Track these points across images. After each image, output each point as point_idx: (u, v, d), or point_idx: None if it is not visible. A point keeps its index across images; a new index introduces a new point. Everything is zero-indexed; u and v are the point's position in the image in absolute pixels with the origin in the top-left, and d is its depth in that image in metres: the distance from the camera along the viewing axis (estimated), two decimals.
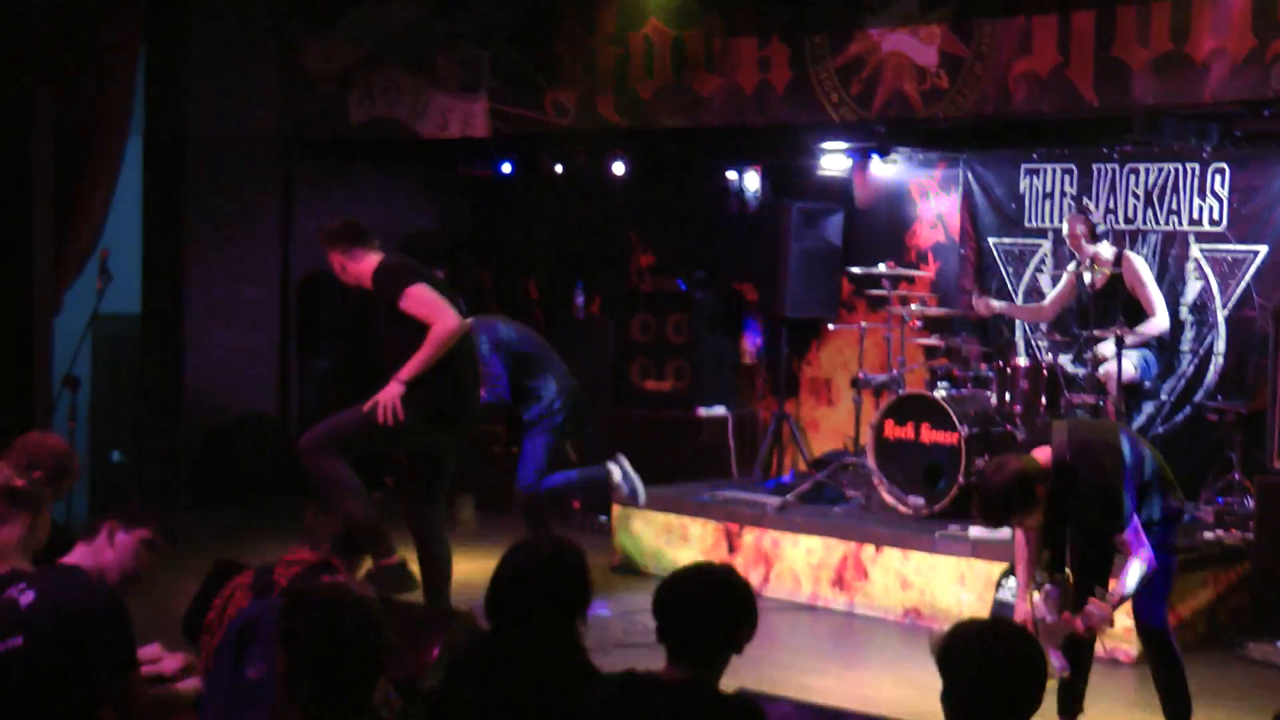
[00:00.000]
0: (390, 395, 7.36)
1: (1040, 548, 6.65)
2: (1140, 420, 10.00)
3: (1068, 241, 9.85)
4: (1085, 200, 10.41)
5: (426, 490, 7.84)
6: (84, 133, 10.80)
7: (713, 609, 4.19)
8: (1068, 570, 6.61)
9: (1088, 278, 9.52)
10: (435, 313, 7.45)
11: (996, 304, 10.27)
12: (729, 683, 4.26)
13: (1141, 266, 9.71)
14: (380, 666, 3.95)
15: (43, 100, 10.29)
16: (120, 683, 4.97)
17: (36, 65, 10.52)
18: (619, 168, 12.40)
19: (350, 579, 5.32)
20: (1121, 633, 8.13)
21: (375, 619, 3.96)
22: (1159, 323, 9.58)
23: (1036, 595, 6.56)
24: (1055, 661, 6.37)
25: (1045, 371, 9.43)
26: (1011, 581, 7.79)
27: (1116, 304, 9.46)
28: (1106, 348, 9.21)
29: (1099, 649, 7.35)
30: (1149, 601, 6.68)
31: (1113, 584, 6.48)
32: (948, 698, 3.75)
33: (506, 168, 13.02)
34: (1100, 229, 9.81)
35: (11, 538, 5.38)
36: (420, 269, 7.73)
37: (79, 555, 5.14)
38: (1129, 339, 9.24)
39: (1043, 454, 6.44)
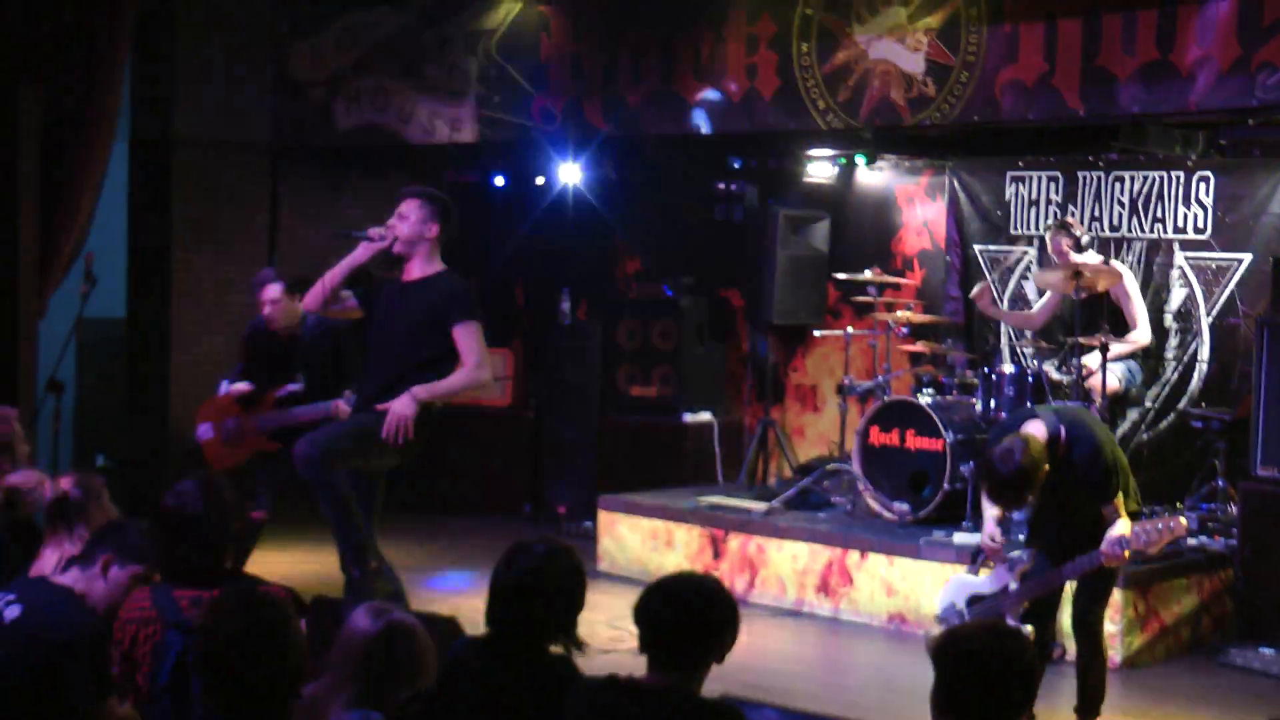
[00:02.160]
0: (407, 413, 7.25)
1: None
2: (1125, 427, 10.02)
3: (1052, 258, 9.83)
4: (1070, 211, 10.42)
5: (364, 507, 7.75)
6: (70, 136, 10.78)
7: (694, 618, 4.18)
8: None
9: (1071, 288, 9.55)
10: (479, 357, 7.37)
11: (990, 309, 10.27)
12: (714, 688, 4.26)
13: (1129, 279, 9.71)
14: (301, 666, 3.94)
15: (29, 102, 10.26)
16: (96, 707, 4.91)
17: (24, 68, 10.49)
18: (606, 173, 12.44)
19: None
20: (1105, 638, 8.13)
21: (293, 623, 3.96)
22: (1140, 336, 9.58)
23: (999, 569, 6.85)
24: (1014, 625, 6.67)
25: (1030, 378, 9.44)
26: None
27: (1101, 313, 9.47)
28: (1092, 359, 9.20)
29: (1068, 653, 7.46)
30: (1089, 601, 6.95)
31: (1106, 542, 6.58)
32: (940, 695, 3.72)
33: (500, 180, 13.02)
34: (1086, 239, 9.79)
35: None
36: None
37: (72, 578, 5.06)
38: (1112, 350, 9.24)
39: (1037, 430, 6.62)
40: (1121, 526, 6.58)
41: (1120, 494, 6.71)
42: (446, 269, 7.56)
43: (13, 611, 4.86)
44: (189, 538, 4.91)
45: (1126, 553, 6.56)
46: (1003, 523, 7.03)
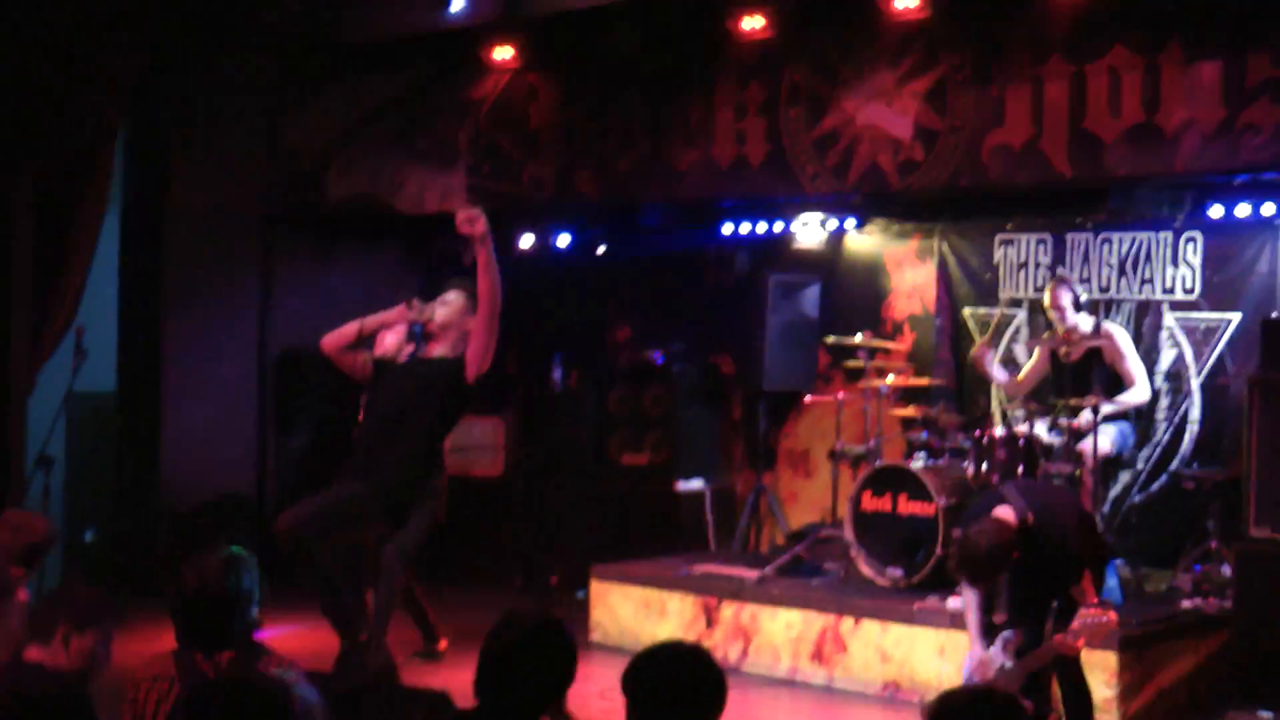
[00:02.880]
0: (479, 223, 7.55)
1: (991, 602, 7.29)
2: (1116, 490, 10.03)
3: (1050, 312, 9.86)
4: (1061, 269, 10.46)
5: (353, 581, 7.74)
6: (62, 210, 10.78)
7: (681, 690, 4.15)
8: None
9: (1063, 351, 9.58)
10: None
11: (987, 368, 10.20)
12: None
13: (1123, 339, 9.75)
14: None
15: (21, 177, 10.29)
16: None
17: (17, 143, 10.51)
18: (596, 240, 12.50)
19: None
20: (1101, 703, 8.11)
21: (285, 703, 3.96)
22: (1139, 394, 9.60)
23: (993, 648, 7.10)
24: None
25: (1021, 442, 9.43)
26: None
27: (1091, 375, 9.51)
28: (1087, 417, 9.23)
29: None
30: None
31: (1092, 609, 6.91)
32: None
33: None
34: (1084, 298, 9.83)
35: None
36: None
37: (36, 656, 5.07)
38: (1106, 408, 9.28)
39: (1005, 514, 7.04)
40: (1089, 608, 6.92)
41: (1090, 575, 7.10)
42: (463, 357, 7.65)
43: None
44: (212, 615, 4.96)
45: (1081, 642, 6.86)
46: (988, 633, 7.24)
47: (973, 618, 7.23)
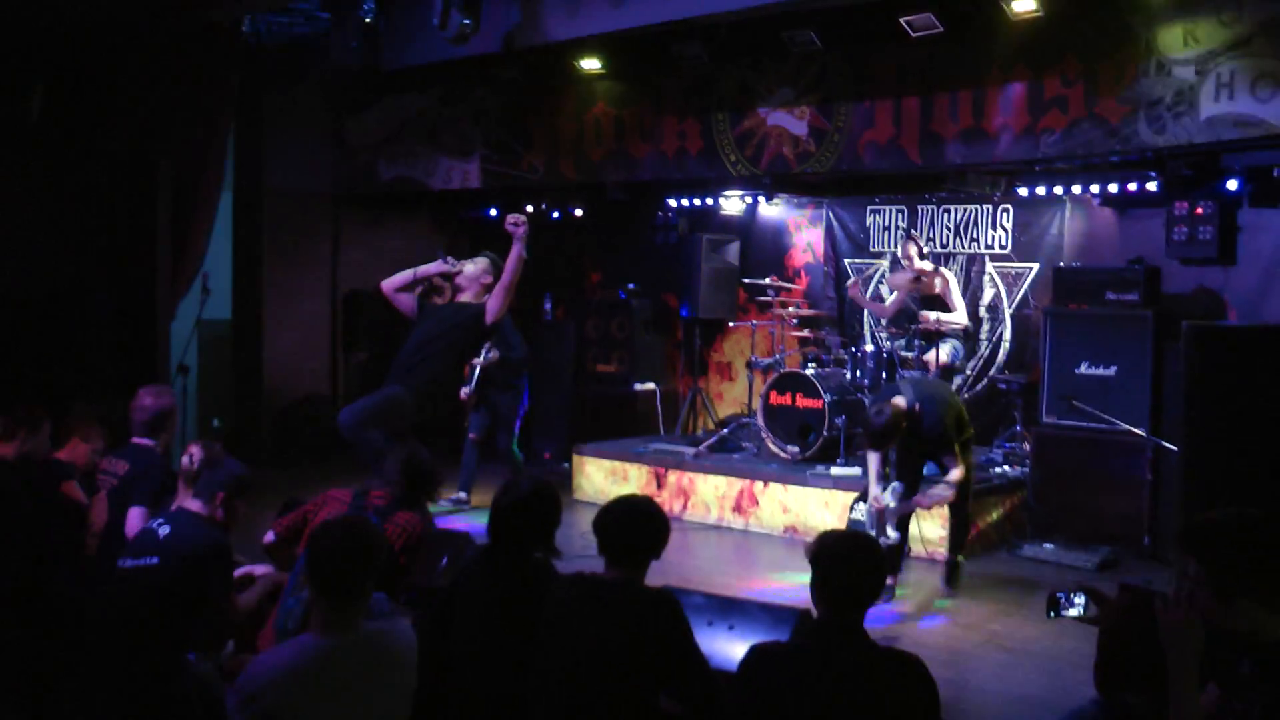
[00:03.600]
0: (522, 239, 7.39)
1: (885, 461, 7.42)
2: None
3: (902, 261, 9.97)
4: (913, 231, 10.55)
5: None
6: (191, 191, 10.78)
7: (635, 527, 4.24)
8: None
9: (912, 287, 9.68)
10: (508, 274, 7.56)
11: (858, 297, 10.39)
12: (657, 582, 4.30)
13: (952, 280, 9.82)
14: (377, 573, 3.86)
15: (164, 170, 10.29)
16: (220, 596, 5.02)
17: (158, 141, 10.52)
18: (575, 209, 12.49)
19: (420, 514, 5.26)
20: (937, 540, 8.30)
21: (377, 540, 3.91)
22: (959, 318, 9.71)
23: (885, 492, 7.31)
24: (894, 533, 7.27)
25: (885, 355, 9.58)
26: (861, 506, 7.99)
27: (936, 306, 9.62)
28: (931, 318, 9.41)
29: (923, 551, 7.67)
30: (957, 502, 7.52)
31: (942, 484, 7.34)
32: (815, 586, 3.79)
33: (494, 211, 13.07)
34: (926, 249, 9.94)
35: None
36: None
37: (197, 505, 5.15)
38: (940, 318, 9.42)
39: (900, 400, 7.22)
40: (946, 479, 7.21)
41: (958, 447, 7.21)
42: (484, 305, 7.67)
43: (164, 530, 5.01)
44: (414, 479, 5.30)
45: (929, 503, 7.33)
46: (883, 481, 7.39)
47: (874, 470, 7.34)
